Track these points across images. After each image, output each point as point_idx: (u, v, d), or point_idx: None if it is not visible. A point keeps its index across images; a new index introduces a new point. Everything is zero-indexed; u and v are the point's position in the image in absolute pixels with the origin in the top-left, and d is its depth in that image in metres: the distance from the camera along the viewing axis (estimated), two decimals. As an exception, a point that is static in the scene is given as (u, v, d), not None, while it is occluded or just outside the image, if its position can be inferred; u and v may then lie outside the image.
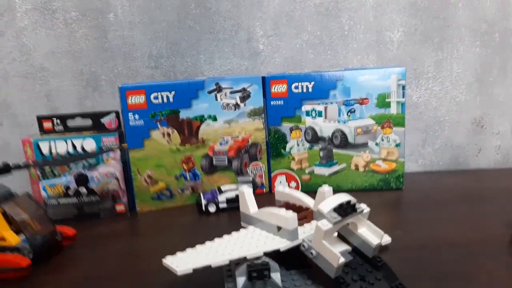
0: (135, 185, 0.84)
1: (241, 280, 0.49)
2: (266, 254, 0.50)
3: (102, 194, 0.82)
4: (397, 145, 0.87)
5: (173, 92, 0.83)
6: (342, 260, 0.47)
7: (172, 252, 0.52)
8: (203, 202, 0.82)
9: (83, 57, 0.98)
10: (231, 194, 0.82)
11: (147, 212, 0.85)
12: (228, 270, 0.54)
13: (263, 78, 0.88)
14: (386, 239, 0.62)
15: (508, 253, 0.59)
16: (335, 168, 0.90)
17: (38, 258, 0.63)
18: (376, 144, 0.88)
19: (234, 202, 0.81)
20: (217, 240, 0.54)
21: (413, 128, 1.04)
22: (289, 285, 0.51)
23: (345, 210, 0.49)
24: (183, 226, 0.77)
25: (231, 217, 0.79)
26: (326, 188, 0.57)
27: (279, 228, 0.53)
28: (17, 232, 0.63)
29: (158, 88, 0.83)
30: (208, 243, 0.53)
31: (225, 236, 0.55)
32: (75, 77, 0.99)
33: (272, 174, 0.92)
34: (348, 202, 0.49)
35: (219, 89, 0.86)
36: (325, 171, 0.90)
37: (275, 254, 0.51)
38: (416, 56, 1.01)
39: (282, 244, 0.52)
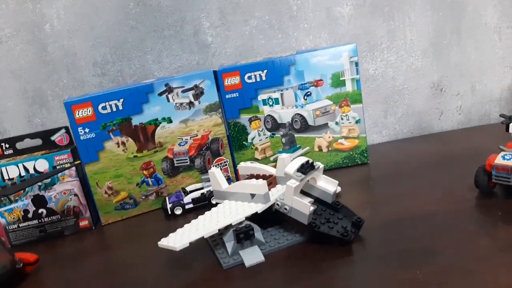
0: (96, 198, 0.82)
1: (229, 244, 0.59)
2: (247, 218, 0.60)
3: (62, 212, 0.80)
4: (357, 122, 0.87)
5: (121, 100, 0.80)
6: (312, 207, 0.58)
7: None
8: (169, 206, 0.80)
9: (25, 74, 0.93)
10: (196, 194, 0.80)
11: (113, 224, 0.83)
12: (214, 240, 0.63)
13: (215, 72, 0.85)
14: (339, 188, 0.73)
15: (473, 221, 0.60)
16: (299, 152, 0.88)
17: (-1, 290, 0.60)
18: (336, 123, 0.87)
19: (200, 201, 0.80)
20: (200, 217, 0.62)
21: (374, 101, 1.04)
22: (270, 239, 0.62)
23: (306, 168, 0.60)
24: (152, 233, 0.75)
25: (198, 215, 0.77)
26: (284, 155, 0.65)
27: (252, 196, 0.62)
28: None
29: (105, 97, 0.79)
30: (193, 221, 0.61)
31: (207, 213, 0.63)
32: (19, 96, 0.94)
33: (238, 167, 0.90)
34: (307, 162, 0.61)
35: (169, 89, 0.83)
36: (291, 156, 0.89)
37: (252, 219, 0.60)
38: (368, 28, 1.00)
39: (258, 207, 0.60)
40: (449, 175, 0.76)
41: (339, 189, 0.74)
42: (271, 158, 0.89)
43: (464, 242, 0.54)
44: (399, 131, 1.07)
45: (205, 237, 0.57)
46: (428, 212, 0.64)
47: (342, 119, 0.87)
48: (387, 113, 1.05)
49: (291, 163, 0.61)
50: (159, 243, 0.57)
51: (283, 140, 0.88)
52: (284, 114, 0.87)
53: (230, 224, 0.59)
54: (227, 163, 0.89)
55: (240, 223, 0.59)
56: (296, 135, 0.88)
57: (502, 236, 0.54)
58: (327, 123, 0.87)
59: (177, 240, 0.56)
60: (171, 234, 0.58)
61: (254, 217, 0.61)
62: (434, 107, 1.06)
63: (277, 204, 0.61)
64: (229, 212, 0.62)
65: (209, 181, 0.81)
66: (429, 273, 0.49)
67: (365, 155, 0.88)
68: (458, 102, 1.07)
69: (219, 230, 0.58)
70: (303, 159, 0.62)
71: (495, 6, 1.02)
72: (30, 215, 0.79)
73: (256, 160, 0.89)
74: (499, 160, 0.62)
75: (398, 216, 0.64)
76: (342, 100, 0.86)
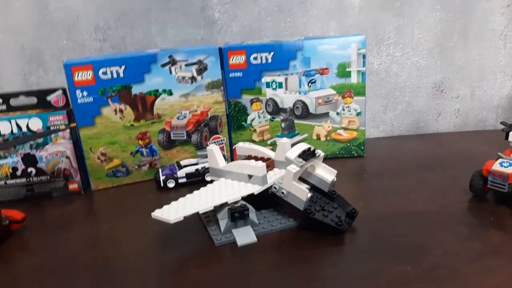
0: (88, 163, 0.80)
1: (223, 222, 0.59)
2: (243, 198, 0.60)
3: (52, 174, 0.78)
4: (358, 114, 0.87)
5: (123, 67, 0.78)
6: (309, 194, 0.58)
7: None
8: (162, 177, 0.79)
9: (23, 31, 0.90)
10: (190, 169, 0.80)
11: (103, 190, 0.82)
12: (207, 216, 0.63)
13: (220, 50, 0.84)
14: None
15: (463, 222, 0.60)
16: (297, 138, 0.88)
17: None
18: (337, 113, 0.87)
19: (194, 177, 0.80)
20: (195, 192, 0.62)
21: (375, 95, 1.04)
22: (263, 221, 0.62)
23: (307, 155, 0.60)
24: (142, 204, 0.74)
25: (191, 191, 0.77)
26: (284, 140, 0.64)
27: (250, 177, 0.61)
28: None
29: (107, 63, 0.77)
30: (188, 195, 0.60)
31: (202, 188, 0.62)
32: (16, 53, 0.91)
33: (234, 147, 0.90)
34: (309, 149, 0.61)
35: (173, 62, 0.81)
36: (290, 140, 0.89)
37: (247, 199, 0.60)
38: (377, 21, 0.99)
39: (255, 189, 0.60)
40: (443, 176, 0.76)
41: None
42: (269, 142, 0.89)
43: (454, 243, 0.55)
44: (396, 127, 1.07)
45: (200, 212, 0.56)
46: (420, 210, 0.64)
47: (343, 110, 0.86)
48: (387, 108, 1.06)
49: (293, 148, 0.61)
50: (152, 214, 0.56)
51: (283, 124, 0.88)
52: (286, 98, 0.86)
53: (226, 203, 0.59)
54: (223, 142, 0.88)
55: (236, 202, 0.59)
56: (296, 121, 0.88)
57: (492, 241, 0.55)
58: (328, 112, 0.87)
59: (171, 213, 0.56)
60: (165, 206, 0.58)
61: (249, 198, 0.61)
62: (433, 107, 1.07)
63: (274, 188, 0.61)
64: (225, 190, 0.61)
65: (205, 157, 0.81)
66: (419, 269, 0.50)
67: (362, 148, 0.89)
68: (457, 105, 1.08)
69: (214, 207, 0.58)
70: (305, 146, 0.62)
71: (503, 14, 1.02)
72: (18, 173, 0.77)
73: (253, 142, 0.89)
74: (496, 166, 0.63)
75: (391, 211, 0.65)
76: (346, 91, 0.85)
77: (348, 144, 0.88)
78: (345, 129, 0.88)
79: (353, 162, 0.87)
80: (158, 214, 0.56)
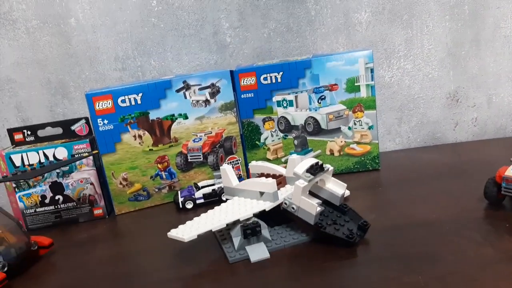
0: (111, 188, 0.84)
1: (237, 239, 0.60)
2: (255, 215, 0.62)
3: (78, 200, 0.83)
4: (370, 128, 0.88)
5: (140, 94, 0.82)
6: (319, 208, 0.59)
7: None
8: (180, 199, 0.82)
9: (49, 65, 0.97)
10: (207, 190, 0.82)
11: (126, 214, 0.85)
12: (221, 235, 0.65)
13: (232, 72, 0.87)
14: (347, 192, 0.75)
15: (479, 230, 0.60)
16: (311, 154, 0.90)
17: (14, 270, 0.63)
18: (349, 128, 0.88)
19: (211, 197, 0.82)
20: (210, 211, 0.64)
21: (388, 108, 1.04)
22: (276, 237, 0.63)
23: (315, 170, 0.61)
24: (163, 224, 0.76)
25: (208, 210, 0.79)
26: (294, 156, 0.67)
27: (261, 194, 0.64)
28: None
29: (125, 91, 0.82)
30: (203, 215, 0.63)
31: (216, 208, 0.65)
32: (43, 86, 0.98)
33: (249, 166, 0.92)
34: (317, 164, 0.62)
35: (187, 87, 0.85)
36: (301, 158, 0.90)
37: (260, 216, 0.62)
38: (386, 35, 1.01)
39: (266, 205, 0.62)
40: (460, 185, 0.76)
41: (347, 192, 0.75)
42: (283, 159, 0.91)
43: (468, 250, 0.55)
44: (413, 139, 1.07)
45: (213, 230, 0.59)
46: (434, 219, 0.64)
47: (355, 124, 0.88)
48: (401, 121, 1.06)
49: (301, 163, 0.63)
50: (168, 233, 0.59)
51: (295, 142, 0.89)
52: (297, 116, 0.88)
53: (238, 220, 0.60)
54: (239, 162, 0.91)
55: (248, 219, 0.61)
56: (308, 138, 0.89)
57: (507, 248, 0.55)
58: (339, 128, 0.88)
59: (186, 231, 0.58)
60: (180, 226, 0.61)
61: (262, 215, 0.62)
62: (449, 117, 1.06)
63: (285, 203, 0.63)
64: (237, 208, 0.63)
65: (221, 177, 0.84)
66: (430, 278, 0.50)
67: (377, 161, 0.89)
68: (474, 113, 1.07)
69: (227, 224, 0.60)
70: (312, 161, 0.63)
71: (516, 20, 1.02)
72: (47, 201, 0.82)
73: (268, 160, 0.91)
74: (509, 172, 0.63)
75: (404, 221, 0.65)
76: (356, 106, 0.87)
77: (363, 158, 0.89)
78: (358, 143, 0.88)
79: (368, 175, 0.88)
80: (173, 233, 0.59)
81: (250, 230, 0.60)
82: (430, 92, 1.04)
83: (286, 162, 0.90)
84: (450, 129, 1.07)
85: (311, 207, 0.59)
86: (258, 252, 0.60)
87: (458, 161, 0.89)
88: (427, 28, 1.01)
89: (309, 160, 0.63)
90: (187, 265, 0.61)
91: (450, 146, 1.03)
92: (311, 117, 0.88)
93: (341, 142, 0.88)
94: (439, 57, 1.03)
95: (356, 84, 0.85)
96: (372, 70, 0.85)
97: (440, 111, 1.06)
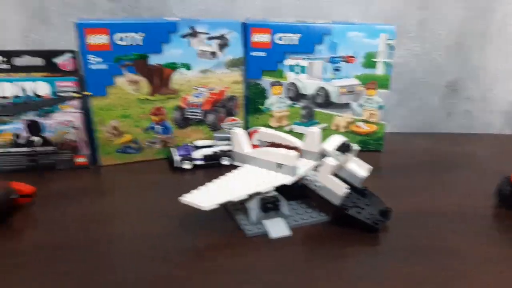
0: (98, 136, 0.75)
1: (254, 211, 0.56)
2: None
3: (58, 145, 0.72)
4: (380, 107, 0.84)
5: (142, 34, 0.72)
6: (347, 190, 0.55)
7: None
8: (177, 158, 0.75)
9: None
10: (208, 151, 0.76)
11: (111, 166, 0.76)
12: (233, 204, 0.58)
13: (244, 25, 0.79)
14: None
15: (488, 228, 0.60)
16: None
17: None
18: (360, 105, 0.84)
19: (212, 160, 0.76)
20: (223, 177, 0.59)
21: (391, 89, 1.02)
22: (292, 213, 0.59)
23: (344, 148, 0.58)
24: (154, 183, 0.70)
25: (208, 175, 0.73)
26: (315, 129, 0.61)
27: (279, 165, 0.58)
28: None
29: (124, 27, 0.71)
30: (216, 181, 0.58)
31: (229, 174, 0.59)
32: (17, 5, 0.83)
33: (249, 131, 0.86)
34: (345, 142, 0.59)
35: (194, 33, 0.76)
36: (305, 130, 0.86)
37: (276, 189, 0.57)
38: (401, 12, 0.97)
39: (287, 179, 0.57)
40: (462, 177, 0.76)
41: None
42: (286, 128, 0.85)
43: (475, 246, 0.55)
44: (408, 124, 1.06)
45: (234, 201, 0.53)
46: (443, 211, 0.63)
47: (366, 101, 0.84)
48: (401, 103, 1.04)
49: (330, 140, 0.58)
50: (182, 198, 0.53)
51: (303, 112, 0.84)
52: (308, 84, 0.83)
53: (259, 192, 0.55)
54: (239, 125, 0.84)
55: (268, 192, 0.56)
56: (316, 110, 0.85)
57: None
58: (350, 103, 0.84)
59: (204, 199, 0.52)
60: (194, 191, 0.54)
61: (278, 188, 0.58)
62: (445, 106, 1.06)
63: (306, 179, 0.58)
64: (255, 179, 0.58)
65: (223, 140, 0.77)
66: (437, 270, 0.49)
67: (380, 142, 0.87)
68: (467, 106, 1.07)
69: (247, 195, 0.54)
70: (342, 139, 0.59)
71: (523, 18, 1.02)
72: (22, 141, 0.71)
73: (270, 127, 0.85)
74: (525, 173, 0.63)
75: (412, 210, 0.63)
76: (370, 83, 0.83)
77: (367, 137, 0.86)
78: (365, 121, 0.85)
79: (370, 156, 0.84)
80: (189, 199, 0.53)
81: (271, 204, 0.56)
82: (431, 78, 1.03)
83: (289, 132, 0.85)
84: (443, 118, 1.07)
85: (339, 188, 0.56)
86: (278, 228, 0.55)
87: (454, 152, 0.89)
88: (440, 13, 0.98)
89: (338, 138, 0.59)
90: (198, 235, 0.55)
91: (441, 135, 1.03)
92: (323, 87, 0.83)
93: (349, 118, 0.85)
94: (446, 44, 1.01)
95: (373, 60, 0.81)
96: (392, 47, 0.81)
97: (438, 98, 1.05)
